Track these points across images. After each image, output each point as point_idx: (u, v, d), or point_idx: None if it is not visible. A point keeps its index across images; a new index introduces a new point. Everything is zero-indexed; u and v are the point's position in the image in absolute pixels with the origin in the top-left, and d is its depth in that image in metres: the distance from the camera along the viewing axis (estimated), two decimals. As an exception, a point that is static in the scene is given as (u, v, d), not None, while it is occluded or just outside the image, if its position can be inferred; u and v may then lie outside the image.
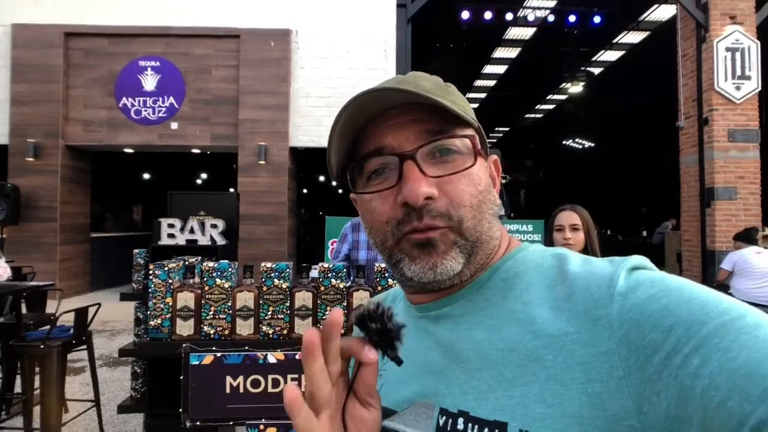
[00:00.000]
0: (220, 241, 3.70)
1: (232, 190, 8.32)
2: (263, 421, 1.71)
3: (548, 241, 2.32)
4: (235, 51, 7.15)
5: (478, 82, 14.90)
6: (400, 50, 7.01)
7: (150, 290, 1.95)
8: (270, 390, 1.74)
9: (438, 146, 0.49)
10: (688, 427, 0.35)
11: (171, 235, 3.58)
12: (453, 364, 0.48)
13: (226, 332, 1.88)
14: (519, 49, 12.22)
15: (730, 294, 4.40)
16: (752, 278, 4.31)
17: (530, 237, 5.07)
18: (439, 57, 11.78)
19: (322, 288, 1.95)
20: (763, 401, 0.31)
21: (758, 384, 0.32)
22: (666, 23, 10.06)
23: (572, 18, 9.66)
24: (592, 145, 19.08)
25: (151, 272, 1.97)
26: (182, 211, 3.90)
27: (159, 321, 1.92)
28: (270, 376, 1.75)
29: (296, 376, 1.76)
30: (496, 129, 20.54)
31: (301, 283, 1.97)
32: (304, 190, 15.76)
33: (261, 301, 1.91)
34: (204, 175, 16.02)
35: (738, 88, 6.89)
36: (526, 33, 11.26)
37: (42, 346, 2.71)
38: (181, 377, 1.72)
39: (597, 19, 9.66)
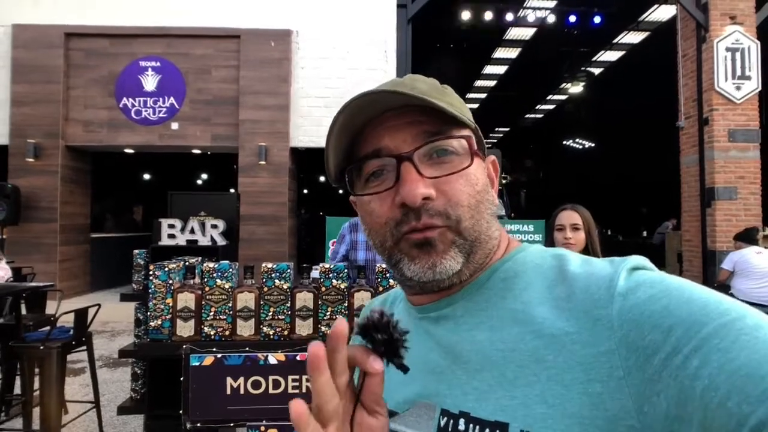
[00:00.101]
0: (221, 241, 3.71)
1: (232, 190, 8.32)
2: (264, 422, 1.71)
3: (549, 241, 2.31)
4: (235, 51, 7.16)
5: (479, 83, 14.91)
6: (401, 51, 7.00)
7: (150, 291, 1.95)
8: (271, 391, 1.73)
9: (435, 147, 0.49)
10: (688, 428, 0.35)
11: (171, 236, 3.59)
12: (454, 364, 0.48)
13: (227, 333, 1.88)
14: (519, 50, 12.24)
15: (731, 294, 4.40)
16: (753, 278, 4.31)
17: (531, 237, 5.08)
18: (439, 57, 11.78)
19: (323, 288, 1.94)
20: (763, 402, 0.31)
21: (757, 385, 0.32)
22: (666, 23, 10.06)
23: (572, 18, 9.68)
24: (593, 145, 19.08)
25: (151, 273, 1.96)
26: (183, 211, 3.90)
27: (159, 322, 1.92)
28: (271, 377, 1.74)
29: (297, 377, 1.76)
30: (497, 129, 20.57)
31: (302, 283, 1.96)
32: (305, 191, 15.73)
33: (262, 302, 1.90)
34: (204, 176, 16.00)
35: (738, 88, 6.88)
36: (526, 33, 11.27)
37: (42, 347, 2.71)
38: (182, 378, 1.72)
39: (597, 20, 9.68)
